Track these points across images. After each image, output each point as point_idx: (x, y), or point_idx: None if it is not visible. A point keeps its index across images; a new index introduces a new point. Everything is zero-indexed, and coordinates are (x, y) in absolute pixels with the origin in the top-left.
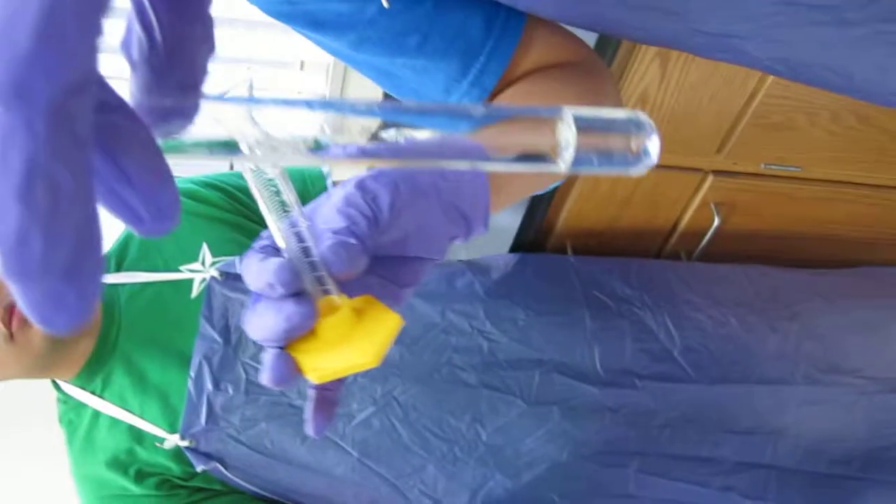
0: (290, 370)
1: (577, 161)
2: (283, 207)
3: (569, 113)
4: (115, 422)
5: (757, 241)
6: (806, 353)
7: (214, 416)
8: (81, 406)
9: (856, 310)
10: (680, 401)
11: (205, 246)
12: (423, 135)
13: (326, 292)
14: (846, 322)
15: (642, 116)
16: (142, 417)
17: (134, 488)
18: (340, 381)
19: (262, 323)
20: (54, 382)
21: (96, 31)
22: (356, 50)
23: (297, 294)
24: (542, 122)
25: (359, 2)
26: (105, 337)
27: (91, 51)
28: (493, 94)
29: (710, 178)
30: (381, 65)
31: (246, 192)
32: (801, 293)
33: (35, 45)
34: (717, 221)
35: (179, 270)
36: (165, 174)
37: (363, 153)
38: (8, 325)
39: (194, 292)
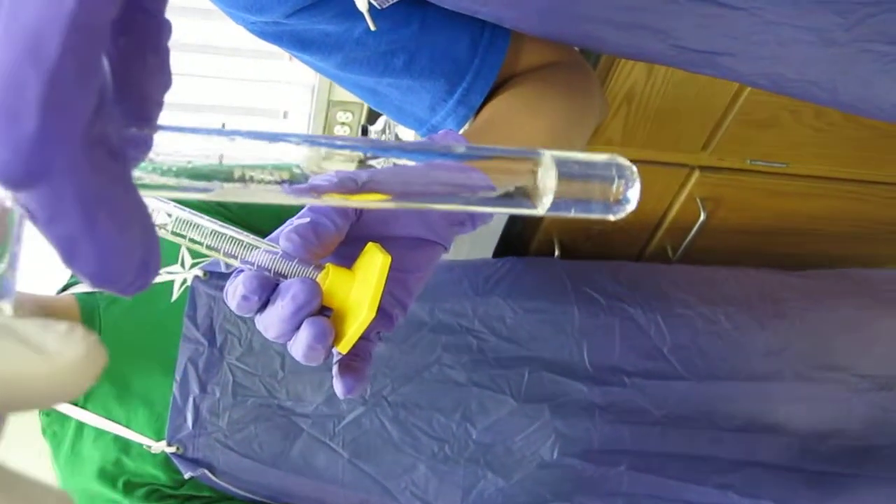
0: (326, 332)
1: (556, 206)
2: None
3: (550, 157)
4: (100, 432)
5: (743, 235)
6: (796, 351)
7: (201, 420)
8: (65, 418)
9: (844, 308)
10: (669, 398)
11: (183, 247)
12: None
13: (316, 270)
14: (835, 320)
15: (623, 161)
16: (128, 427)
17: (123, 500)
18: (366, 341)
19: (270, 318)
20: None
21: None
22: (343, 70)
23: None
24: (523, 161)
25: (346, 22)
26: None
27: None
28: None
29: (697, 174)
30: (367, 84)
31: None
32: (789, 292)
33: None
34: (702, 216)
35: (158, 273)
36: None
37: (343, 179)
38: None
39: (175, 295)
